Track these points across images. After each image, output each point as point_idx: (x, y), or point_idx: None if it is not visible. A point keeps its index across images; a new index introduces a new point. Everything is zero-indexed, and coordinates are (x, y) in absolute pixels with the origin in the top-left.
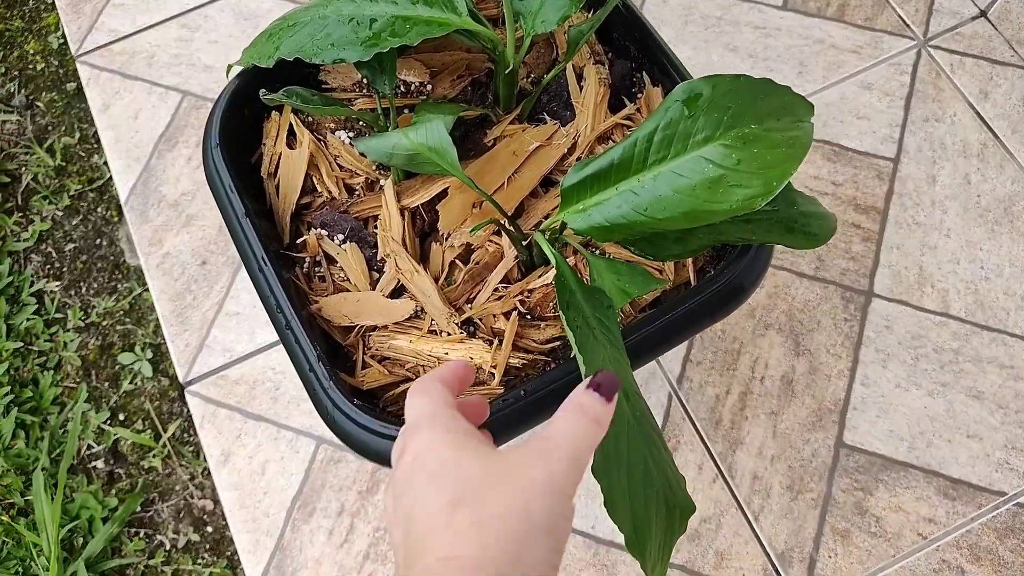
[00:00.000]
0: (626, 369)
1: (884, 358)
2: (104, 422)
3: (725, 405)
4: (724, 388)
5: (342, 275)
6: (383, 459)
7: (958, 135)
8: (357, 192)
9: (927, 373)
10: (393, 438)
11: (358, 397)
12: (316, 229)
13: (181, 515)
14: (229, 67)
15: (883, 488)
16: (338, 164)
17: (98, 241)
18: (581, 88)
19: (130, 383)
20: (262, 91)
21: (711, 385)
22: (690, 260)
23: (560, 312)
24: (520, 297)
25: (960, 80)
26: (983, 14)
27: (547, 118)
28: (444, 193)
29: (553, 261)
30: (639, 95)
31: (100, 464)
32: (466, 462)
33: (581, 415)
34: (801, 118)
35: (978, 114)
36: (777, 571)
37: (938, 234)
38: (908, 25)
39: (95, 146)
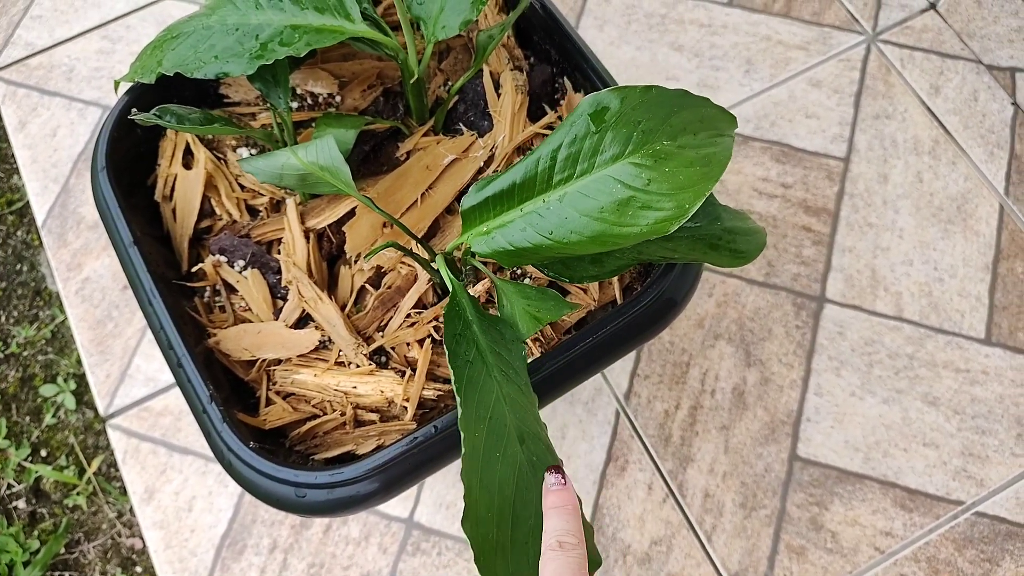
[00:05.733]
0: (526, 409)
1: (837, 366)
2: (25, 459)
3: (675, 420)
4: (673, 403)
5: (243, 304)
6: (283, 505)
7: (909, 132)
8: (261, 214)
9: (881, 380)
10: (290, 483)
11: (261, 437)
12: (214, 255)
13: (108, 555)
14: (116, 82)
15: (838, 502)
16: (239, 184)
17: (18, 267)
18: (499, 96)
19: (52, 416)
20: (133, 110)
21: (660, 400)
22: (615, 278)
23: (446, 347)
24: (435, 323)
25: (910, 75)
26: (932, 6)
27: (463, 129)
28: (352, 213)
29: (450, 287)
30: (561, 102)
31: (21, 504)
32: None
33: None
34: (721, 132)
35: (929, 110)
36: None
37: (891, 235)
38: (856, 19)
39: (13, 166)
